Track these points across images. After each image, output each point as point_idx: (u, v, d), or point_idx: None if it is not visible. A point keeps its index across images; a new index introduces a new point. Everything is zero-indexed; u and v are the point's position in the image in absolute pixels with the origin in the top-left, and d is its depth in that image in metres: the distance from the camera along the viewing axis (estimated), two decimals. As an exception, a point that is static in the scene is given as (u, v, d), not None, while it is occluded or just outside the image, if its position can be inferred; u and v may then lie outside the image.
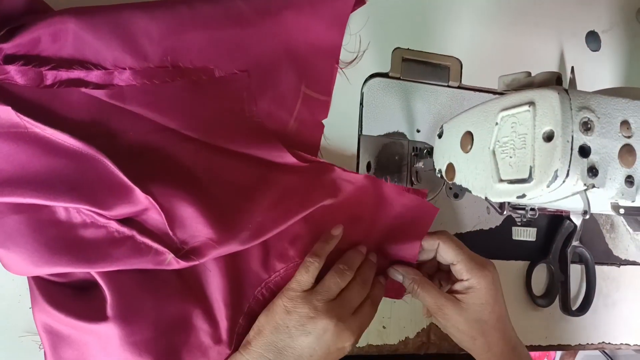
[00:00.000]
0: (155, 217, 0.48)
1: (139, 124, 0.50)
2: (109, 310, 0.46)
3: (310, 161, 0.56)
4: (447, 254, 0.53)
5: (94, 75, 0.48)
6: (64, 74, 0.47)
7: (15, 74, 0.46)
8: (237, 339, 0.51)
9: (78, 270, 0.46)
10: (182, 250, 0.48)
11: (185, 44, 0.51)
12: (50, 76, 0.47)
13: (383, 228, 0.58)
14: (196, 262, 0.48)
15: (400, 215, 0.58)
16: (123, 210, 0.46)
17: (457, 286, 0.53)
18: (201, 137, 0.52)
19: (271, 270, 0.54)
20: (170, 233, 0.48)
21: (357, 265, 0.53)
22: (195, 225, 0.48)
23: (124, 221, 0.48)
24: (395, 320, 0.61)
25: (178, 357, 0.49)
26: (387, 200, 0.58)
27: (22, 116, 0.44)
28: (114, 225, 0.47)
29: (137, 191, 0.46)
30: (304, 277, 0.50)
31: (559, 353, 1.33)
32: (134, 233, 0.47)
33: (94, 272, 0.46)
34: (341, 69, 0.61)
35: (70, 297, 0.47)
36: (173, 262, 0.47)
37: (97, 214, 0.46)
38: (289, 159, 0.54)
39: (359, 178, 0.56)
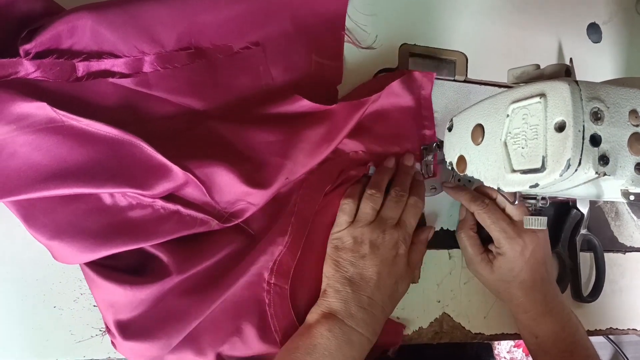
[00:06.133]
0: (195, 190, 0.50)
1: (165, 108, 0.52)
2: (170, 267, 0.49)
3: (332, 103, 0.57)
4: (482, 221, 0.61)
5: (121, 64, 0.50)
6: (95, 65, 0.49)
7: (45, 69, 0.47)
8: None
9: (132, 248, 0.48)
10: (225, 216, 0.51)
11: (197, 26, 0.53)
12: (81, 68, 0.48)
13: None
14: (237, 222, 0.52)
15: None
16: (164, 188, 0.48)
17: (492, 247, 0.61)
18: (225, 113, 0.54)
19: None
20: (212, 202, 0.50)
21: (384, 184, 0.58)
22: (234, 191, 0.51)
23: (167, 197, 0.50)
24: (408, 311, 0.63)
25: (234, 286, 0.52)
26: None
27: (57, 110, 0.45)
28: (159, 203, 0.49)
29: (175, 168, 0.48)
30: (341, 218, 0.56)
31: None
32: (179, 207, 0.50)
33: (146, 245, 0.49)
34: (361, 47, 0.63)
35: (126, 274, 0.49)
36: (216, 227, 0.51)
37: (140, 195, 0.48)
38: (316, 106, 0.55)
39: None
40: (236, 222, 0.52)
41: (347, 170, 0.59)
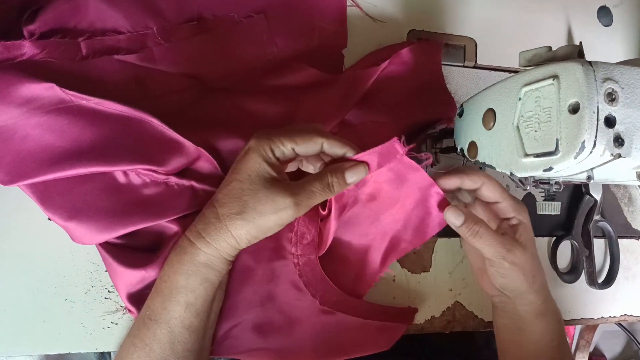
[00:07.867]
0: (207, 163, 0.50)
1: (173, 82, 0.52)
2: None
3: (339, 68, 0.57)
4: (493, 193, 0.51)
5: (125, 40, 0.49)
6: (99, 42, 0.49)
7: (51, 49, 0.46)
8: None
9: (148, 225, 0.48)
10: None
11: None
12: (86, 46, 0.48)
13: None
14: None
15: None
16: (177, 163, 0.48)
17: (505, 225, 0.51)
18: (232, 84, 0.54)
19: None
20: (224, 175, 0.50)
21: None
22: None
23: (181, 173, 0.50)
24: (420, 300, 0.62)
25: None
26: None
27: (66, 91, 0.45)
28: (173, 180, 0.49)
29: (187, 143, 0.48)
30: None
31: (578, 329, 1.34)
32: (192, 183, 0.50)
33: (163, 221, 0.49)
34: (368, 15, 0.63)
35: (140, 254, 0.49)
36: None
37: (154, 172, 0.48)
38: (323, 75, 0.55)
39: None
40: None
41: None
